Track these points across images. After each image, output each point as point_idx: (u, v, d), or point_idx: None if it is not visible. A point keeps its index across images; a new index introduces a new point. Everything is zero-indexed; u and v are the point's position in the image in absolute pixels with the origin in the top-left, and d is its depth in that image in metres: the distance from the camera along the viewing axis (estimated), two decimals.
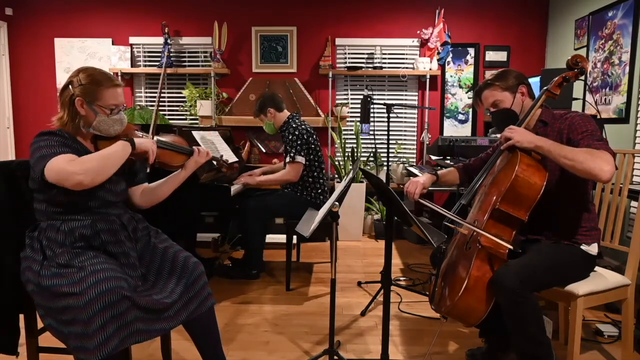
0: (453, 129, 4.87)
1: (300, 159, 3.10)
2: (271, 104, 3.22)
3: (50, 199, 1.56)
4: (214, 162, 2.08)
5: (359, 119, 4.60)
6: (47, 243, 1.54)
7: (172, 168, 1.86)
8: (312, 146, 3.18)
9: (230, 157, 3.28)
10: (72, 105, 1.60)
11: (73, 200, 1.57)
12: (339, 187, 1.99)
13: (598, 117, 3.32)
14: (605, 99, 3.60)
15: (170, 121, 4.88)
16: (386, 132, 3.04)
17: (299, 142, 3.10)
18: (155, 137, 1.81)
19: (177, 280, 1.64)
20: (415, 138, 4.96)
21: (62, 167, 1.45)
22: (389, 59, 4.85)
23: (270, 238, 3.87)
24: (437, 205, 1.77)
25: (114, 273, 1.48)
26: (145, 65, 4.90)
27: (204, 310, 1.66)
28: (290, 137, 3.13)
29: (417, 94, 4.88)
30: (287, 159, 3.13)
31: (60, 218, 1.57)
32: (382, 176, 3.78)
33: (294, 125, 3.16)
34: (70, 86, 1.60)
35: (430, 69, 4.62)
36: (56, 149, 1.51)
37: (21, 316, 1.70)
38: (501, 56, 4.76)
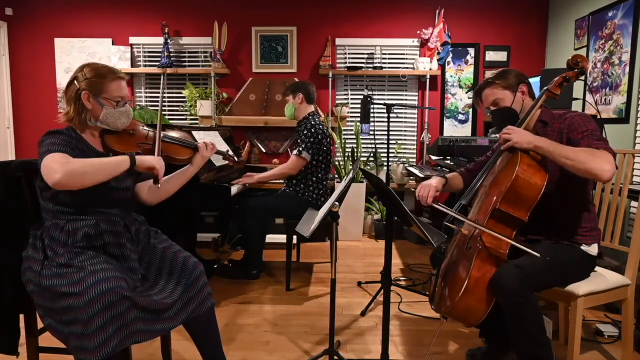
0: (453, 129, 4.87)
1: (306, 155, 3.11)
2: (304, 91, 3.24)
3: (56, 197, 1.56)
4: (220, 156, 2.05)
5: (359, 119, 4.59)
6: (48, 242, 1.54)
7: (178, 162, 1.84)
8: (324, 148, 3.18)
9: None
10: (79, 100, 1.61)
11: (78, 200, 1.57)
12: (339, 187, 1.98)
13: (598, 117, 3.32)
14: (605, 99, 3.60)
15: (170, 121, 4.88)
16: (386, 132, 3.04)
17: (311, 139, 3.11)
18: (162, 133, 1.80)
19: (177, 281, 1.64)
20: (415, 138, 4.96)
21: (48, 163, 1.45)
22: (389, 59, 4.84)
23: (270, 238, 3.87)
24: (452, 210, 1.75)
25: (113, 273, 1.48)
26: (145, 65, 4.90)
27: (203, 310, 1.66)
28: (305, 132, 3.14)
29: (417, 94, 4.88)
30: (295, 152, 3.14)
31: (65, 218, 1.57)
32: (382, 176, 3.78)
33: (312, 122, 3.17)
34: (75, 81, 1.62)
35: (430, 69, 4.62)
36: (59, 147, 1.52)
37: (21, 316, 1.70)
38: (501, 56, 4.76)
